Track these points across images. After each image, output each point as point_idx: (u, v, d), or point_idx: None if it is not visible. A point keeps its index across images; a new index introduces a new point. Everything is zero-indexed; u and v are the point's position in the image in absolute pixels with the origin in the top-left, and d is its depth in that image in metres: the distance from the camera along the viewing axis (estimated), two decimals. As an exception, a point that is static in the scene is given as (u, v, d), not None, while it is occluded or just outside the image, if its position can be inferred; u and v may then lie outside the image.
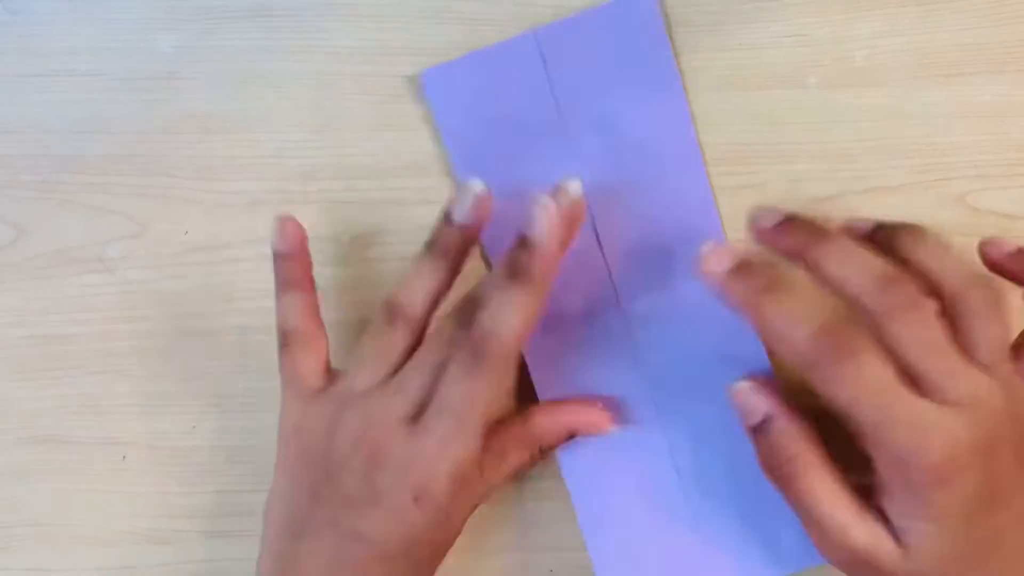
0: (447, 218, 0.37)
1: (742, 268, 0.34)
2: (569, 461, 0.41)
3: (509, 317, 0.34)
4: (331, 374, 0.39)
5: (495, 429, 0.38)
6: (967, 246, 0.41)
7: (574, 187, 0.36)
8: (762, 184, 0.41)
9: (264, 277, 0.42)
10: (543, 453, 0.40)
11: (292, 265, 0.39)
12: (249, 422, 0.43)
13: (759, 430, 0.36)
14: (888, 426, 0.32)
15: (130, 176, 0.41)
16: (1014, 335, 0.36)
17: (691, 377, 0.40)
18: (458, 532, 0.38)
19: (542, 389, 0.41)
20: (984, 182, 0.41)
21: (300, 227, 0.39)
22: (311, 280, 0.39)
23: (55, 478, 0.43)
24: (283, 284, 0.39)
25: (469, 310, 0.36)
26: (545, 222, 0.35)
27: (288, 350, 0.38)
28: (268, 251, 0.41)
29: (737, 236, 0.41)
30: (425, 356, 0.36)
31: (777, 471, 0.35)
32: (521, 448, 0.39)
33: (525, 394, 0.40)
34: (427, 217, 0.41)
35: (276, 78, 0.40)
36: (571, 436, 0.40)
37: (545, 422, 0.39)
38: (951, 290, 0.34)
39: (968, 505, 0.32)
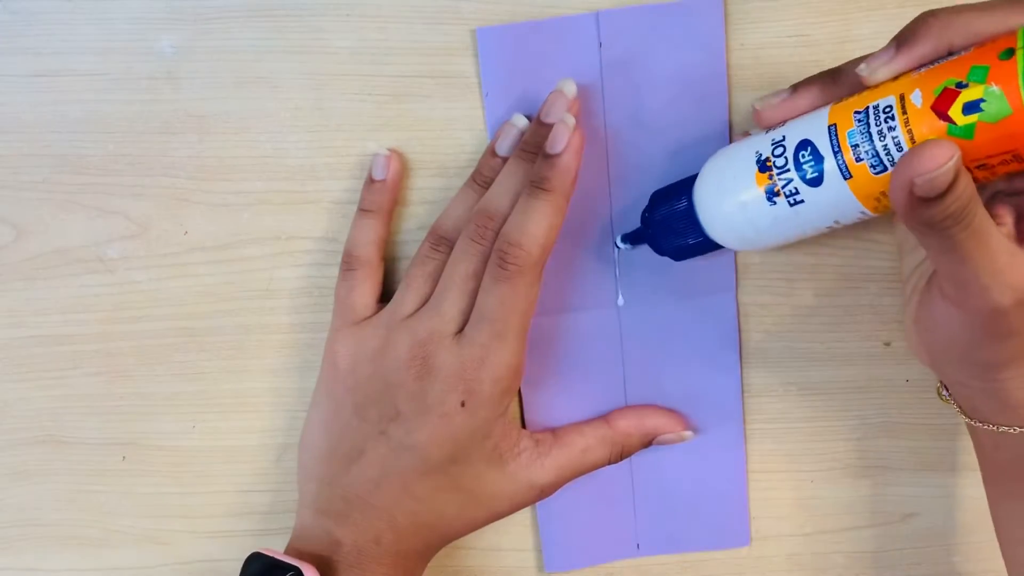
0: (492, 151, 0.40)
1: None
2: None
3: (535, 226, 0.36)
4: (379, 306, 0.40)
5: (579, 427, 0.41)
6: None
7: (570, 88, 0.38)
8: (762, 184, 0.41)
9: (264, 277, 0.42)
10: (622, 456, 0.41)
11: (382, 194, 0.40)
12: (248, 422, 0.43)
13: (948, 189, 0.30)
14: None
15: (130, 176, 0.41)
16: None
17: (663, 381, 0.42)
18: (499, 453, 0.39)
19: (528, 384, 0.42)
20: (984, 182, 0.41)
21: (403, 164, 0.40)
22: (391, 215, 0.41)
23: (55, 478, 0.43)
24: (365, 208, 0.40)
25: (486, 224, 0.38)
26: (566, 138, 0.37)
27: (348, 275, 0.40)
28: (270, 250, 0.41)
29: (737, 236, 0.41)
30: (453, 270, 0.38)
31: (957, 216, 0.31)
32: (603, 447, 0.41)
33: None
34: (427, 217, 0.41)
35: (276, 78, 0.40)
36: (651, 441, 0.42)
37: (631, 426, 0.41)
38: None
39: None
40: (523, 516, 0.44)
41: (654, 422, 0.42)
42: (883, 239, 0.41)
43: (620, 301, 0.41)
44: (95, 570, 0.44)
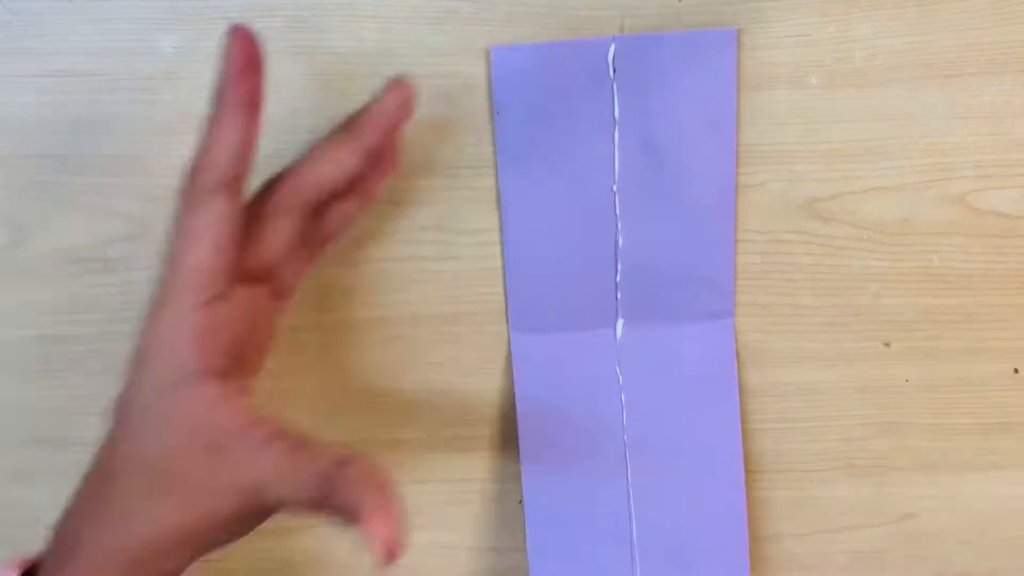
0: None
1: None
2: (532, 495, 0.42)
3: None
4: None
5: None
6: (967, 246, 0.41)
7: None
8: (762, 184, 0.41)
9: (264, 277, 0.42)
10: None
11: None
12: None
13: None
14: None
15: (130, 176, 0.41)
16: None
17: (666, 433, 0.42)
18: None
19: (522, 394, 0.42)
20: (984, 182, 0.41)
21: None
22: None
23: (56, 478, 0.43)
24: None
25: None
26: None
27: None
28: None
29: (744, 236, 0.41)
30: None
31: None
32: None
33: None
34: (427, 217, 0.41)
35: (276, 79, 0.40)
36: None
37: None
38: None
39: None
40: (524, 515, 0.44)
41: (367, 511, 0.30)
42: (883, 239, 0.41)
43: (619, 330, 0.41)
44: (95, 570, 0.44)
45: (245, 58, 0.32)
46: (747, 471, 0.43)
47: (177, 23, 0.39)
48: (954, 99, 0.40)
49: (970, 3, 0.40)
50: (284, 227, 0.36)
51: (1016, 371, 0.43)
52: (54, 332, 0.42)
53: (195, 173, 0.33)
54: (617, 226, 0.41)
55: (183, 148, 0.40)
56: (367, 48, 0.40)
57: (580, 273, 0.41)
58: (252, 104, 0.33)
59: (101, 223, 0.41)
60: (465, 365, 0.43)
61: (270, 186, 0.36)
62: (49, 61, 0.40)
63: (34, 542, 0.44)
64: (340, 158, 0.35)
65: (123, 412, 0.34)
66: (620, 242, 0.41)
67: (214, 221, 0.32)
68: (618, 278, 0.41)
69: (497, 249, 0.41)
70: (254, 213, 0.35)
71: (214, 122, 0.33)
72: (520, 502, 0.44)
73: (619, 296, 0.41)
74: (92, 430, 0.43)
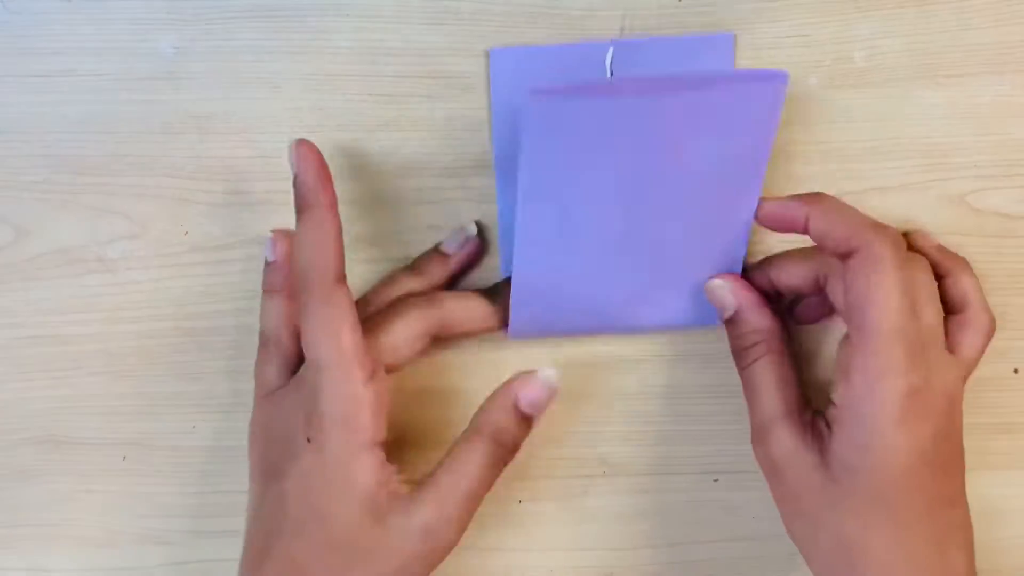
0: (437, 247, 0.41)
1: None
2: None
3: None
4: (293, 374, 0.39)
5: (451, 453, 0.37)
6: (967, 246, 0.41)
7: (471, 229, 0.41)
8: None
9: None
10: (513, 449, 0.37)
11: (274, 273, 0.40)
12: (248, 422, 0.43)
13: (730, 321, 0.39)
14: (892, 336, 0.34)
15: (130, 176, 0.41)
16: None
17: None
18: (373, 502, 0.36)
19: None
20: (984, 182, 0.41)
21: (288, 242, 0.39)
22: (293, 292, 0.39)
23: (55, 478, 0.43)
24: (267, 289, 0.40)
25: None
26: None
27: (260, 351, 0.40)
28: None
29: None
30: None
31: (737, 357, 0.39)
32: (483, 453, 0.37)
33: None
34: (427, 217, 0.41)
35: (276, 78, 0.40)
36: (526, 416, 0.37)
37: (496, 413, 0.37)
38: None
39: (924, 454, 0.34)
40: (524, 515, 0.44)
41: (512, 393, 0.37)
42: (883, 239, 0.41)
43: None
44: (95, 570, 0.44)
45: (318, 165, 0.36)
46: (748, 471, 0.43)
47: (177, 23, 0.40)
48: (954, 99, 0.40)
49: (970, 3, 0.40)
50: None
51: (1016, 371, 0.43)
52: (54, 332, 0.42)
53: (310, 272, 0.36)
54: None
55: (183, 148, 0.41)
56: (367, 48, 0.40)
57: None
58: (336, 204, 0.36)
59: (101, 223, 0.41)
60: (464, 365, 0.43)
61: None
62: (49, 61, 0.40)
63: (34, 542, 0.44)
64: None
65: (294, 474, 0.36)
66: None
67: (347, 308, 0.36)
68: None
69: (495, 249, 0.42)
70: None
71: (310, 225, 0.36)
72: (521, 502, 0.44)
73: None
74: (92, 430, 0.43)
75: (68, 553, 0.44)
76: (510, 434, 0.37)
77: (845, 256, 0.35)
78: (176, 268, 0.41)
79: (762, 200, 0.38)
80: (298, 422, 0.36)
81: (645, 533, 0.44)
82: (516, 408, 0.37)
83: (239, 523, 0.43)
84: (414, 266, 0.41)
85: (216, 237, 0.41)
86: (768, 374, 0.38)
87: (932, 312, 0.36)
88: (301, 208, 0.36)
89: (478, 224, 0.41)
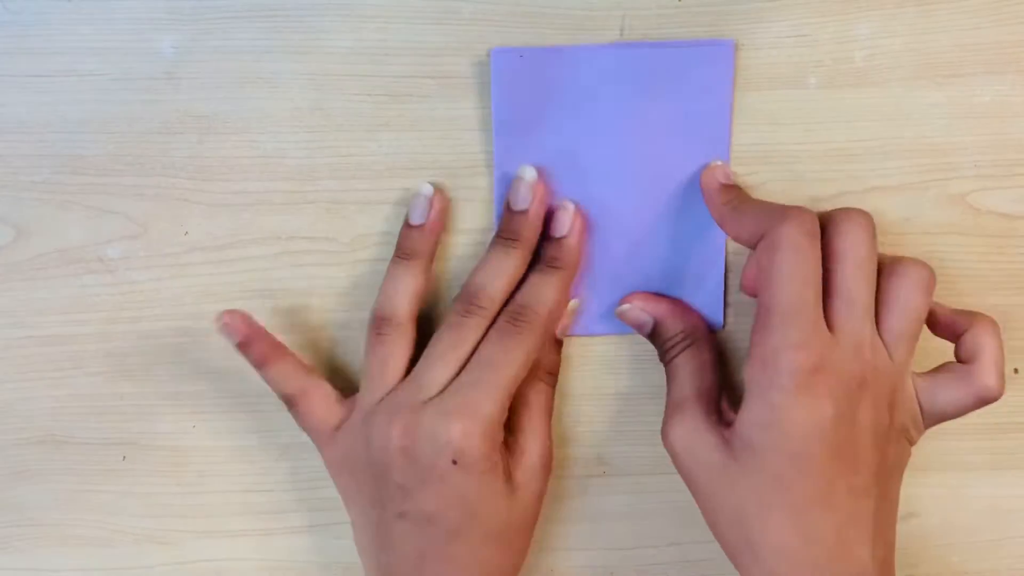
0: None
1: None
2: None
3: (547, 295, 0.39)
4: (344, 401, 0.40)
5: (518, 410, 0.40)
6: (967, 246, 0.41)
7: (530, 174, 0.39)
8: (762, 184, 0.41)
9: (263, 277, 0.42)
10: (555, 373, 0.42)
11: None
12: (248, 422, 0.43)
13: (652, 335, 0.41)
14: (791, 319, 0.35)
15: (130, 176, 0.41)
16: None
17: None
18: (509, 487, 0.38)
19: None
20: (984, 182, 0.41)
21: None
22: (283, 349, 0.40)
23: (55, 478, 0.43)
24: (259, 363, 0.40)
25: (478, 301, 0.39)
26: (569, 222, 0.40)
27: (294, 411, 0.40)
28: (270, 250, 0.41)
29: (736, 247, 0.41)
30: (437, 341, 0.39)
31: (662, 357, 0.41)
32: (541, 391, 0.41)
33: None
34: (427, 217, 0.41)
35: (276, 78, 0.40)
36: (558, 341, 0.41)
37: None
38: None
39: (824, 435, 0.34)
40: (523, 516, 0.44)
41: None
42: (883, 239, 0.41)
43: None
44: (95, 570, 0.44)
45: (440, 218, 0.40)
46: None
47: (177, 23, 0.40)
48: (954, 99, 0.40)
49: (970, 3, 0.40)
50: None
51: (1016, 371, 0.43)
52: (54, 332, 0.42)
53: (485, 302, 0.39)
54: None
55: (183, 148, 0.41)
56: (367, 48, 0.40)
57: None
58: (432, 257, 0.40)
59: (101, 223, 0.41)
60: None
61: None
62: (49, 61, 0.40)
63: (34, 542, 0.44)
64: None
65: (438, 493, 0.37)
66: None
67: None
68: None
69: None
70: None
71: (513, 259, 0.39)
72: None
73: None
74: (92, 430, 0.43)
75: (68, 553, 0.44)
76: (552, 366, 0.41)
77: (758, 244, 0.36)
78: (176, 268, 0.41)
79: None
80: (437, 447, 0.37)
81: (645, 533, 0.44)
82: (556, 341, 0.41)
83: (240, 523, 0.43)
84: (399, 252, 0.40)
85: (216, 237, 0.41)
86: (687, 364, 0.39)
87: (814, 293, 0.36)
88: (507, 238, 0.39)
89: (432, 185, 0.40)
